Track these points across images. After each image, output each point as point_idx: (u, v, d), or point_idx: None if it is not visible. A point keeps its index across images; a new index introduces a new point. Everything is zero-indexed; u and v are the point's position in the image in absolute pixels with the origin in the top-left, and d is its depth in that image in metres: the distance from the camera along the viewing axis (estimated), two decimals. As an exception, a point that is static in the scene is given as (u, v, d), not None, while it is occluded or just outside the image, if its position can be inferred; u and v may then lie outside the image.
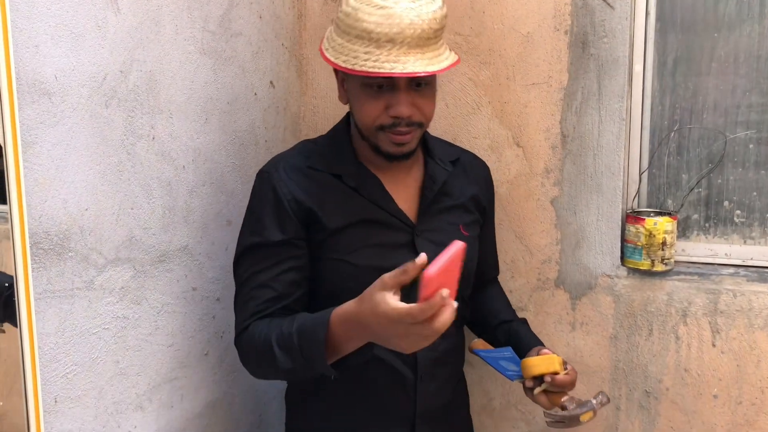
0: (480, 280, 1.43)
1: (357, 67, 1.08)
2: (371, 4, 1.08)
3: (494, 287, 1.52)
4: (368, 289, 0.96)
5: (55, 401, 1.01)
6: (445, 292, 0.87)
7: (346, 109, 1.37)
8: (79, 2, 1.01)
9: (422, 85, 1.15)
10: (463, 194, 1.33)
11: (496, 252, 1.54)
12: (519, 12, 1.60)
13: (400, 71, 1.06)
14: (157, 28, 1.18)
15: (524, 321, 1.45)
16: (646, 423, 1.62)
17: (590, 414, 1.20)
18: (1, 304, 0.94)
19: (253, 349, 1.15)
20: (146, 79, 1.16)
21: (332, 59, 1.13)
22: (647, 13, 1.61)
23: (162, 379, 1.25)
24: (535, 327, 1.67)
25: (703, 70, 1.61)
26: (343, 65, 1.10)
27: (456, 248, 0.91)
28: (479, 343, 1.39)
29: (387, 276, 0.93)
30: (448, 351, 1.30)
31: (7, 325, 0.95)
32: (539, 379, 1.23)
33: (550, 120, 1.61)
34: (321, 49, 1.19)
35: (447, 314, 0.88)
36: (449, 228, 1.27)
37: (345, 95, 1.22)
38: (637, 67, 1.62)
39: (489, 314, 1.45)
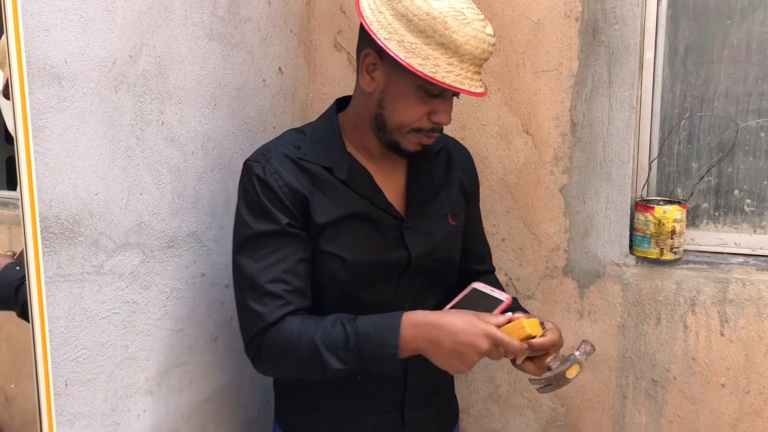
0: (473, 270, 1.40)
1: (438, 77, 1.05)
2: (457, 17, 1.04)
3: (489, 278, 1.44)
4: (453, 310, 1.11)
5: (66, 384, 1.02)
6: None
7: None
8: (89, -14, 1.00)
9: (458, 96, 1.17)
10: (448, 183, 1.32)
11: (485, 240, 1.47)
12: (529, -2, 1.59)
13: (475, 90, 1.09)
14: (166, 13, 1.18)
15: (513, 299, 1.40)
16: (653, 411, 1.62)
17: (576, 368, 1.12)
18: (14, 292, 0.95)
19: (286, 351, 1.10)
20: (155, 65, 1.16)
21: (402, 57, 1.05)
22: (659, 0, 1.60)
23: (171, 363, 1.26)
24: (543, 315, 1.67)
25: (714, 58, 1.60)
26: (420, 69, 1.05)
27: (498, 309, 1.15)
28: None
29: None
30: None
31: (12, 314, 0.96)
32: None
33: (560, 107, 1.60)
34: (374, 34, 1.08)
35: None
36: (437, 218, 1.27)
37: (373, 83, 1.14)
38: (648, 55, 1.61)
39: None
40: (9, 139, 0.91)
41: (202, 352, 1.35)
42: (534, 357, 1.15)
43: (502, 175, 1.67)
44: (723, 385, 1.56)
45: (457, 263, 1.34)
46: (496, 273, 1.69)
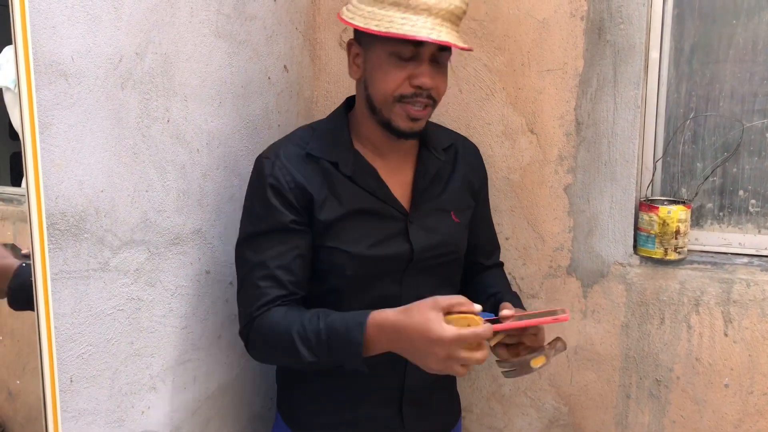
0: (481, 264, 1.44)
1: (393, 30, 1.09)
2: None
3: (496, 270, 1.49)
4: (417, 304, 1.03)
5: (71, 381, 1.02)
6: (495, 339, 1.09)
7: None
8: (96, -17, 1.00)
9: (441, 62, 1.18)
10: (455, 180, 1.34)
11: (494, 235, 1.51)
12: (535, -3, 1.59)
13: (436, 38, 1.09)
14: (172, 10, 1.18)
15: (515, 295, 1.40)
16: (656, 411, 1.62)
17: (542, 359, 1.15)
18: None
19: (268, 339, 1.16)
20: (161, 62, 1.16)
21: (362, 25, 1.13)
22: (665, 0, 1.59)
23: (175, 360, 1.26)
24: (547, 314, 1.67)
25: (720, 58, 1.60)
26: (377, 29, 1.10)
27: (554, 318, 1.10)
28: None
29: (441, 298, 1.02)
30: None
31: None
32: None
33: (565, 107, 1.60)
34: (342, 18, 1.18)
35: (484, 353, 1.02)
36: (441, 215, 1.29)
37: (358, 69, 1.22)
38: (654, 54, 1.61)
39: (481, 290, 1.40)
40: (13, 135, 0.91)
41: (207, 349, 1.35)
42: (509, 344, 1.18)
43: (507, 174, 1.67)
44: (726, 386, 1.56)
45: (462, 260, 1.36)
46: (501, 272, 1.69)
